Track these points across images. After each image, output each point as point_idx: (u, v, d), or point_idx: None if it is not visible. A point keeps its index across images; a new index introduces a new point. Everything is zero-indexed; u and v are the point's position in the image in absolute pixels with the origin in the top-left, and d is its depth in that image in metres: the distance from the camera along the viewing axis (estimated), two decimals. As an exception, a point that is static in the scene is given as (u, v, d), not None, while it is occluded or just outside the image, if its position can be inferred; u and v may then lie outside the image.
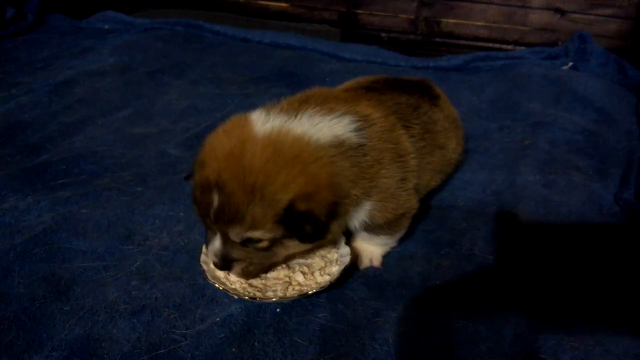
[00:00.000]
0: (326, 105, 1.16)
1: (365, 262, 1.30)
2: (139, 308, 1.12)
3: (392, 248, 1.34)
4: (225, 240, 1.06)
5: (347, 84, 1.53)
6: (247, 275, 1.13)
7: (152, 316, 1.11)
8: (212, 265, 1.19)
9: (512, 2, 2.93)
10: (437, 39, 3.10)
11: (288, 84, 2.32)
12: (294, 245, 1.09)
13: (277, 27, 3.06)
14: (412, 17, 3.07)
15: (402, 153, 1.23)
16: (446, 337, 1.10)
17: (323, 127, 1.10)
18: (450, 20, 3.04)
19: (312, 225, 1.02)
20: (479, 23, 3.01)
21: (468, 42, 3.06)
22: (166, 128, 1.92)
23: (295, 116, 1.10)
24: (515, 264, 1.31)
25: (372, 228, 1.23)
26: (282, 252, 1.11)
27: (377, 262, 1.31)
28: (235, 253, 1.07)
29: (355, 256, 1.28)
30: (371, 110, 1.22)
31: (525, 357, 1.06)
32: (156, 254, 1.28)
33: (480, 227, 1.44)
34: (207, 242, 1.10)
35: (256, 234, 1.02)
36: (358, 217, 1.19)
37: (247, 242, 1.05)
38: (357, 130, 1.14)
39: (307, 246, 1.12)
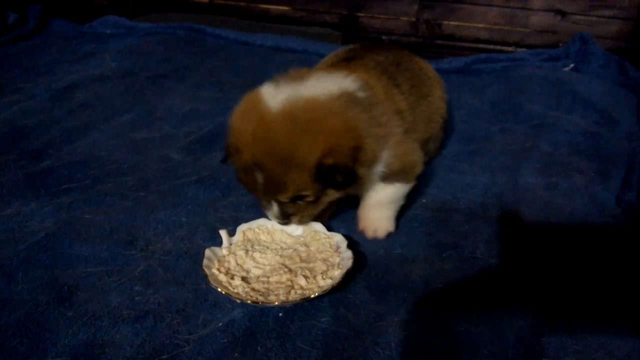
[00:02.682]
0: (330, 70, 1.29)
1: (369, 234, 1.39)
2: (142, 313, 1.13)
3: (397, 210, 1.42)
4: (279, 203, 1.21)
5: (326, 59, 1.62)
6: (304, 223, 1.31)
7: (155, 321, 1.11)
8: (214, 270, 1.20)
9: (513, 4, 2.93)
10: (438, 41, 3.10)
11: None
12: (334, 192, 1.23)
13: (278, 31, 3.06)
14: (413, 19, 3.08)
15: (400, 109, 1.35)
16: (449, 341, 1.10)
17: (331, 83, 1.21)
18: (451, 23, 3.04)
19: (341, 173, 1.14)
20: (480, 25, 3.01)
21: (469, 44, 3.06)
22: (168, 132, 1.92)
23: (302, 81, 1.20)
24: (517, 266, 1.31)
25: (388, 176, 1.31)
26: (326, 199, 1.25)
27: (381, 234, 1.38)
28: (290, 210, 1.24)
29: (363, 227, 1.40)
30: (366, 76, 1.32)
31: (528, 360, 1.06)
32: (159, 259, 1.29)
33: (482, 229, 1.44)
34: (264, 208, 1.29)
35: (301, 193, 1.17)
36: (377, 169, 1.28)
37: (296, 200, 1.20)
38: (362, 88, 1.24)
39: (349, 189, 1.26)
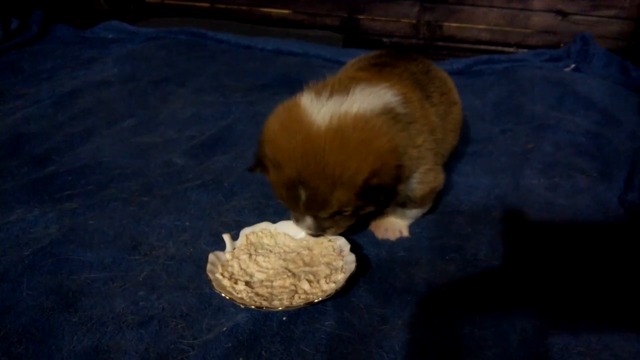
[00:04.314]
0: (372, 81, 1.25)
1: (380, 233, 1.41)
2: (146, 318, 1.13)
3: (416, 220, 1.45)
4: (316, 217, 1.21)
5: (353, 63, 1.59)
6: (336, 234, 1.31)
7: (160, 326, 1.11)
8: (218, 275, 1.20)
9: (514, 5, 2.93)
10: (439, 43, 3.10)
11: (292, 90, 2.29)
12: (371, 207, 1.24)
13: (279, 34, 3.07)
14: (414, 21, 3.08)
15: (433, 127, 1.32)
16: (453, 343, 1.10)
17: (374, 98, 1.19)
18: (452, 24, 3.05)
19: (384, 193, 1.15)
20: (481, 26, 3.02)
21: (470, 46, 3.06)
22: (171, 137, 1.93)
23: (345, 93, 1.18)
24: (520, 268, 1.31)
25: (408, 202, 1.34)
26: (362, 213, 1.27)
27: (392, 235, 1.39)
28: (326, 224, 1.24)
29: (375, 227, 1.43)
30: (401, 87, 1.30)
31: (532, 362, 1.06)
32: (162, 264, 1.29)
33: (485, 231, 1.44)
34: (296, 221, 1.27)
35: (342, 209, 1.18)
36: (404, 191, 1.28)
37: (334, 215, 1.20)
38: (401, 102, 1.23)
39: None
